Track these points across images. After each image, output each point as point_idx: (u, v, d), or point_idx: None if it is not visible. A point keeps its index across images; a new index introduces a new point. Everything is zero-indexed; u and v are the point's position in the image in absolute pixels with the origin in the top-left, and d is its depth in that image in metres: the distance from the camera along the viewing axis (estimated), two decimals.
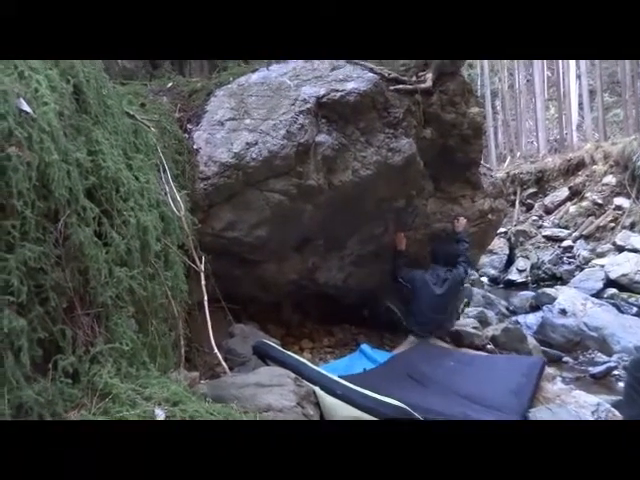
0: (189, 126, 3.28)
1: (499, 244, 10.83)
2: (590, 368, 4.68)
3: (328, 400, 2.27)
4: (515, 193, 12.97)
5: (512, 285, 9.57)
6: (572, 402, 3.03)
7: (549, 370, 3.72)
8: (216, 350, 2.45)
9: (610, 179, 10.97)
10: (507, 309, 7.19)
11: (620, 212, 10.15)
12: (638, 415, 2.13)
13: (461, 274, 4.00)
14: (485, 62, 20.21)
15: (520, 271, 9.84)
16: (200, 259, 2.60)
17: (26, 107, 1.62)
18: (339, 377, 2.56)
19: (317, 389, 2.31)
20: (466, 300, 4.47)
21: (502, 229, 10.66)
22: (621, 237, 9.24)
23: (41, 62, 1.79)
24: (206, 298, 2.53)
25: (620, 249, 8.94)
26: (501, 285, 9.80)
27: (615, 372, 4.49)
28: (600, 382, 4.33)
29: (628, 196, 10.31)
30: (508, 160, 17.77)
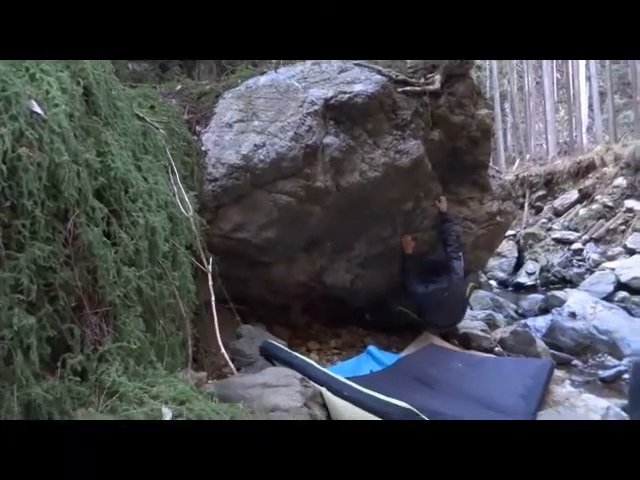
0: (198, 128, 3.31)
1: (508, 247, 10.77)
2: (600, 372, 4.64)
3: (335, 401, 2.27)
4: (524, 196, 12.88)
5: (521, 288, 9.52)
6: (581, 405, 3.00)
7: (558, 373, 3.68)
8: (223, 350, 2.46)
9: (621, 181, 10.85)
10: (516, 312, 7.15)
11: (631, 215, 10.04)
12: None
13: (458, 273, 3.94)
14: (494, 64, 20.13)
15: (529, 274, 9.78)
16: (208, 260, 2.62)
17: (37, 109, 1.64)
18: (346, 378, 2.55)
19: (324, 390, 2.31)
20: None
21: (511, 232, 10.61)
22: (632, 240, 9.15)
23: (52, 64, 1.82)
24: (213, 299, 2.54)
25: (631, 252, 8.85)
26: (510, 288, 9.75)
27: (625, 376, 4.44)
28: (610, 386, 4.29)
29: (639, 198, 10.20)
30: (517, 163, 17.69)
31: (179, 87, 3.78)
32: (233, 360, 2.90)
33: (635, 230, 9.54)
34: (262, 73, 3.66)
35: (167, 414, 1.51)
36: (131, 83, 4.11)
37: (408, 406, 2.13)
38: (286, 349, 2.81)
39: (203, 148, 3.18)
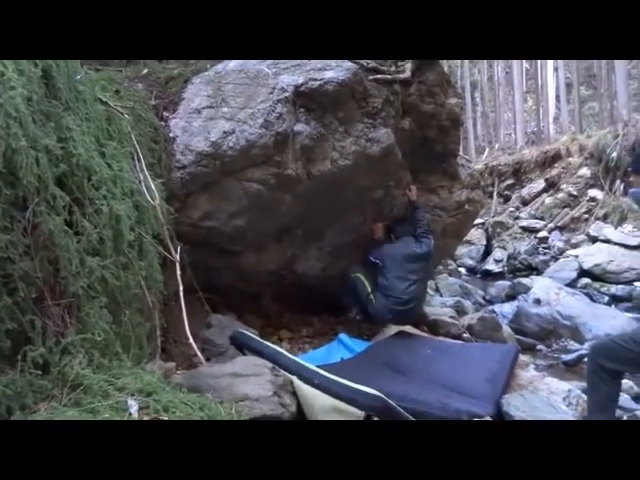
0: (165, 114, 3.23)
1: (477, 235, 10.97)
2: (563, 356, 4.78)
3: (305, 389, 2.28)
4: (493, 184, 13.12)
5: (489, 275, 9.72)
6: (544, 389, 3.10)
7: (523, 358, 3.79)
8: (191, 340, 2.43)
9: (585, 171, 11.16)
10: (484, 298, 7.29)
11: (594, 204, 10.35)
12: (601, 399, 2.20)
13: (430, 246, 3.92)
14: None
15: (497, 261, 9.99)
16: (176, 249, 2.57)
17: None
18: (317, 367, 2.57)
19: (294, 378, 2.32)
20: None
21: (480, 220, 10.81)
22: (594, 228, 9.43)
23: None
24: (181, 288, 2.50)
25: (593, 240, 9.13)
26: (478, 275, 9.94)
27: (586, 359, 4.59)
28: (572, 369, 4.42)
29: (601, 188, 10.51)
30: (487, 152, 17.96)
31: (145, 71, 3.67)
32: (203, 350, 2.88)
33: (597, 219, 9.84)
34: None
35: (133, 406, 1.49)
36: (96, 66, 3.97)
37: (376, 392, 2.16)
38: (256, 338, 2.80)
39: (171, 134, 3.10)
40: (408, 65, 3.64)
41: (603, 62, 15.96)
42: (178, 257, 2.55)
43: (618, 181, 10.10)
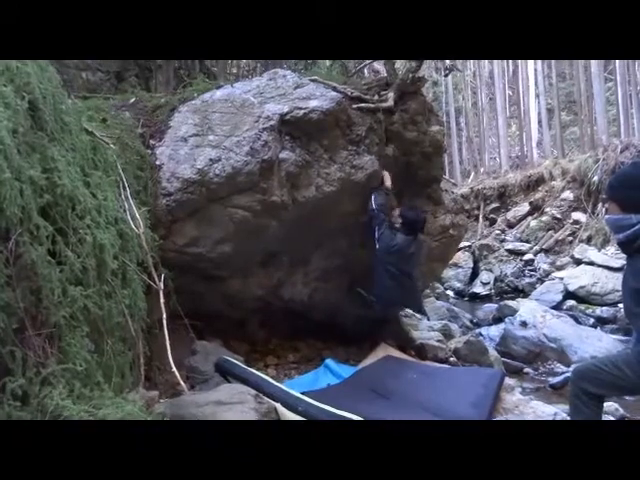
0: (152, 142, 3.27)
1: (464, 258, 11.07)
2: (549, 378, 4.80)
3: (289, 416, 2.28)
4: (479, 208, 13.30)
5: (476, 298, 9.79)
6: (530, 412, 3.10)
7: (509, 381, 3.79)
8: (174, 368, 2.42)
9: (568, 194, 11.38)
10: (471, 322, 7.33)
11: (577, 226, 10.53)
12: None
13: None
14: (449, 80, 20.79)
15: (484, 284, 10.07)
16: (160, 276, 2.58)
17: None
18: (303, 393, 2.56)
19: (278, 405, 2.32)
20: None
21: (467, 243, 10.94)
22: (578, 250, 9.56)
23: None
24: (165, 316, 2.50)
25: (578, 262, 9.25)
26: (466, 298, 10.00)
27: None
28: (558, 392, 4.44)
29: (585, 211, 10.71)
30: (472, 176, 18.22)
31: (133, 99, 3.73)
32: (188, 377, 2.86)
33: (581, 241, 9.99)
34: (218, 87, 3.67)
35: None
36: (85, 94, 4.03)
37: (357, 418, 2.16)
38: (241, 365, 2.80)
39: (157, 162, 3.14)
40: (391, 94, 3.74)
41: (582, 89, 16.42)
42: (162, 285, 2.55)
43: (600, 204, 10.30)
